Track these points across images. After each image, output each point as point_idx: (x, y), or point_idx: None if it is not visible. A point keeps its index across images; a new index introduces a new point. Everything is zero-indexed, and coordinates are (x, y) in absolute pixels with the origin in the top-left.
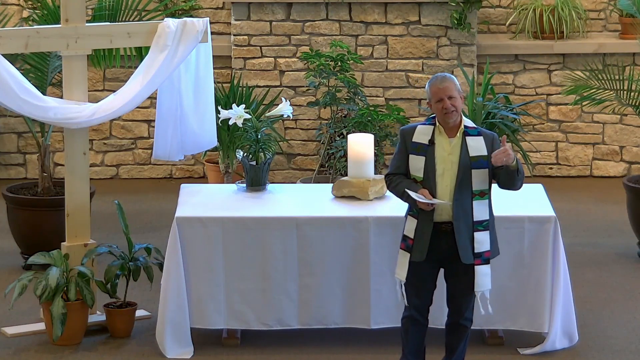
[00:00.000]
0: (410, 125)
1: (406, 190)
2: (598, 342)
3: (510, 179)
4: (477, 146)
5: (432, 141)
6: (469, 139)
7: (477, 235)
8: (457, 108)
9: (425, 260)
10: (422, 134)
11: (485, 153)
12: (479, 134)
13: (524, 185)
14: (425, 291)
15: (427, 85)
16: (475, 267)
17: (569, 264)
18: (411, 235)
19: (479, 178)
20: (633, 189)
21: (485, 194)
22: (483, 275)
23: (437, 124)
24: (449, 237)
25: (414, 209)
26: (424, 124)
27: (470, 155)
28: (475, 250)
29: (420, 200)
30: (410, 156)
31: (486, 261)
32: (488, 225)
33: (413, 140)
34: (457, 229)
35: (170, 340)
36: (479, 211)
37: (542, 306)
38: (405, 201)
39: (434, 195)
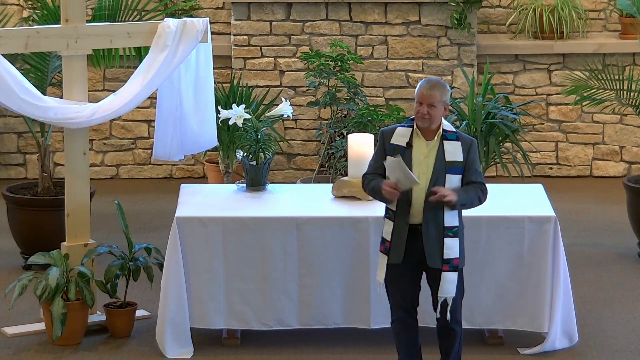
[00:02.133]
0: (390, 127)
1: (376, 182)
2: (598, 342)
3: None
4: (453, 151)
5: (409, 143)
6: (446, 144)
7: (446, 240)
8: (433, 117)
9: (404, 262)
10: (400, 136)
11: (461, 159)
12: (457, 139)
13: (525, 184)
14: (409, 291)
15: (419, 84)
16: (442, 273)
17: (569, 264)
18: (388, 238)
19: (452, 183)
20: (633, 189)
21: None
22: (449, 282)
23: (416, 126)
24: (421, 239)
25: (390, 212)
26: (403, 126)
27: (446, 159)
28: (445, 257)
29: (387, 186)
30: (388, 158)
31: (454, 268)
32: (457, 232)
33: (391, 142)
34: (426, 232)
35: (170, 340)
36: (450, 216)
37: (542, 306)
38: (378, 199)
39: (409, 198)
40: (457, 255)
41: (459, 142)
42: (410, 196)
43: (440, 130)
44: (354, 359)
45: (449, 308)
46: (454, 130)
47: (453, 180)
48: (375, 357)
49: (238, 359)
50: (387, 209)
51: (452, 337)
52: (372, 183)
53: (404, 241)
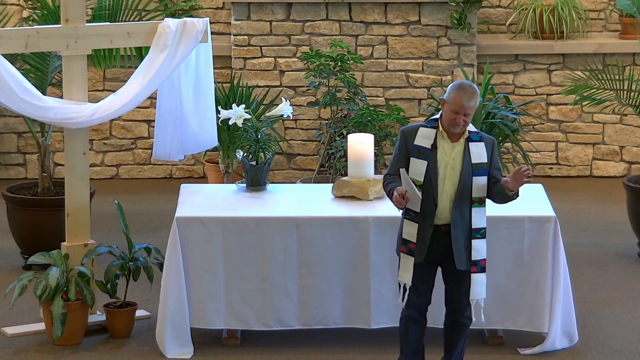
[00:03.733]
0: (411, 126)
1: (393, 186)
2: (598, 342)
3: (504, 198)
4: (479, 153)
5: (434, 145)
6: (471, 145)
7: (474, 242)
8: (467, 125)
9: (423, 262)
10: (424, 138)
11: (486, 160)
12: (480, 139)
13: (525, 184)
14: (425, 290)
15: (452, 88)
16: (472, 275)
17: (569, 264)
18: (412, 239)
19: (479, 185)
20: (633, 189)
21: (483, 202)
22: (479, 284)
23: (441, 127)
24: (445, 238)
25: (411, 212)
26: (426, 126)
27: (473, 162)
28: (472, 258)
29: (398, 193)
30: (412, 159)
31: (482, 269)
32: (485, 233)
33: (415, 143)
34: (454, 235)
35: (170, 340)
36: (478, 218)
37: (542, 306)
38: (391, 200)
39: (435, 200)
40: (485, 257)
41: (483, 143)
42: (436, 198)
43: (466, 133)
44: (354, 359)
45: (473, 307)
46: (477, 130)
47: (479, 182)
48: (375, 357)
49: (238, 359)
50: (407, 209)
51: (460, 332)
52: (390, 186)
53: (427, 241)
